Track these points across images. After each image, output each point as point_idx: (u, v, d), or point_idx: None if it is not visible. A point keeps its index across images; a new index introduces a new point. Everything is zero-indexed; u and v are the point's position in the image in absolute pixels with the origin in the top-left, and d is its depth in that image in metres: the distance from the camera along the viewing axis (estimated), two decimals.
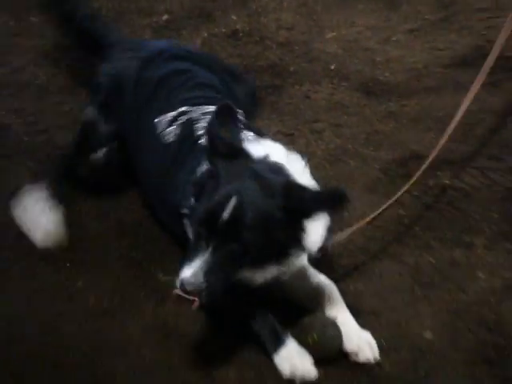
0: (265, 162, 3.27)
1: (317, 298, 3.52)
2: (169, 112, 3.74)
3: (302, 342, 3.32)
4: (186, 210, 3.43)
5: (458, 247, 3.82)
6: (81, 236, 3.91)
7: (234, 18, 5.23)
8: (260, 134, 3.59)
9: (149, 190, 3.94)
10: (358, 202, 3.94)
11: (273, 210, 3.12)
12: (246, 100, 4.01)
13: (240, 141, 3.31)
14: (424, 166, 3.92)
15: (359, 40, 5.07)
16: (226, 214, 3.06)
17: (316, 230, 3.35)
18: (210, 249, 3.09)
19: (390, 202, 3.81)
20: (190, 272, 3.06)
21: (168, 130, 3.70)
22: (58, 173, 4.08)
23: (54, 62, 4.91)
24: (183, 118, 3.68)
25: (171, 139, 3.68)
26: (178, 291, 3.10)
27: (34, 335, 3.48)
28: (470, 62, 4.85)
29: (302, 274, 3.55)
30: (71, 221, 3.95)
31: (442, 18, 5.22)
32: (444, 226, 3.93)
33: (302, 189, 3.16)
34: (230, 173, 3.16)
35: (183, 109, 3.69)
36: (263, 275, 3.33)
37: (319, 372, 3.25)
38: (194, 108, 3.67)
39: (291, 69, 4.81)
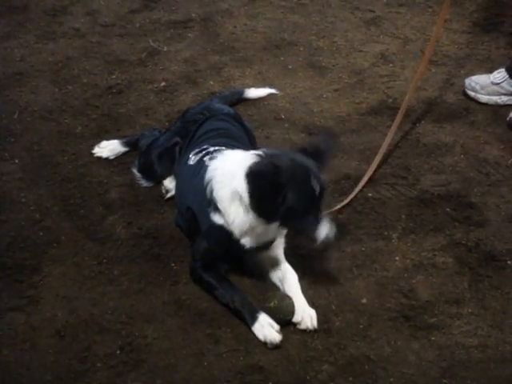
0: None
1: (281, 279, 3.56)
2: (198, 148, 3.79)
3: (266, 307, 3.35)
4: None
5: (380, 239, 3.87)
6: (113, 239, 3.85)
7: (212, 83, 5.21)
8: None
9: (177, 198, 3.93)
10: None
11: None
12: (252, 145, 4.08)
13: None
14: (360, 185, 4.08)
15: (300, 97, 5.06)
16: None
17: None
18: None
19: (343, 203, 3.97)
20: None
21: (193, 157, 3.74)
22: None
23: None
24: (203, 151, 3.71)
25: (192, 163, 3.71)
26: None
27: (85, 310, 3.43)
28: (378, 111, 4.90)
29: (276, 258, 3.59)
30: (104, 229, 3.92)
31: (356, 81, 5.25)
32: (369, 225, 3.95)
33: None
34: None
35: (205, 146, 3.73)
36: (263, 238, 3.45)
37: (285, 335, 3.29)
38: (213, 147, 3.71)
39: (254, 118, 4.81)
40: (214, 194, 3.43)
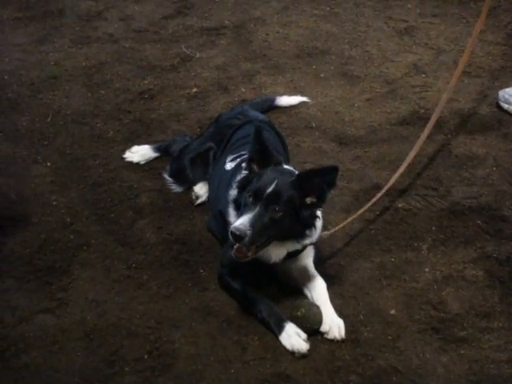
0: (286, 169, 3.44)
1: (309, 288, 3.55)
2: (236, 153, 3.81)
3: (294, 316, 3.35)
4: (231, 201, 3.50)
5: (410, 250, 3.85)
6: (143, 243, 3.87)
7: (243, 90, 5.23)
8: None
9: (210, 201, 3.97)
10: (337, 219, 3.95)
11: (295, 193, 3.28)
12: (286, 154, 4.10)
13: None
14: (380, 194, 3.99)
15: (331, 106, 5.07)
16: (270, 189, 3.23)
17: (318, 226, 3.44)
18: (257, 209, 3.21)
19: (358, 213, 3.88)
20: (240, 221, 3.18)
21: (230, 162, 3.79)
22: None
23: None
24: (241, 157, 3.74)
25: (229, 168, 3.75)
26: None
27: (114, 314, 3.45)
28: (409, 121, 4.89)
29: (304, 267, 3.58)
30: (134, 233, 3.95)
31: (388, 91, 5.25)
32: (399, 236, 3.94)
33: (309, 171, 3.37)
34: (268, 170, 3.34)
35: (243, 152, 3.74)
36: (283, 250, 3.41)
37: (312, 345, 3.29)
38: None
39: (285, 125, 4.81)
40: None
